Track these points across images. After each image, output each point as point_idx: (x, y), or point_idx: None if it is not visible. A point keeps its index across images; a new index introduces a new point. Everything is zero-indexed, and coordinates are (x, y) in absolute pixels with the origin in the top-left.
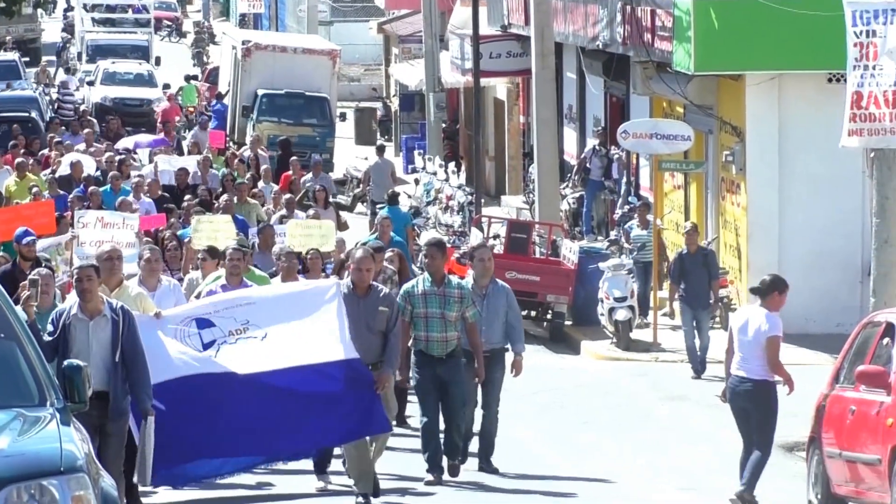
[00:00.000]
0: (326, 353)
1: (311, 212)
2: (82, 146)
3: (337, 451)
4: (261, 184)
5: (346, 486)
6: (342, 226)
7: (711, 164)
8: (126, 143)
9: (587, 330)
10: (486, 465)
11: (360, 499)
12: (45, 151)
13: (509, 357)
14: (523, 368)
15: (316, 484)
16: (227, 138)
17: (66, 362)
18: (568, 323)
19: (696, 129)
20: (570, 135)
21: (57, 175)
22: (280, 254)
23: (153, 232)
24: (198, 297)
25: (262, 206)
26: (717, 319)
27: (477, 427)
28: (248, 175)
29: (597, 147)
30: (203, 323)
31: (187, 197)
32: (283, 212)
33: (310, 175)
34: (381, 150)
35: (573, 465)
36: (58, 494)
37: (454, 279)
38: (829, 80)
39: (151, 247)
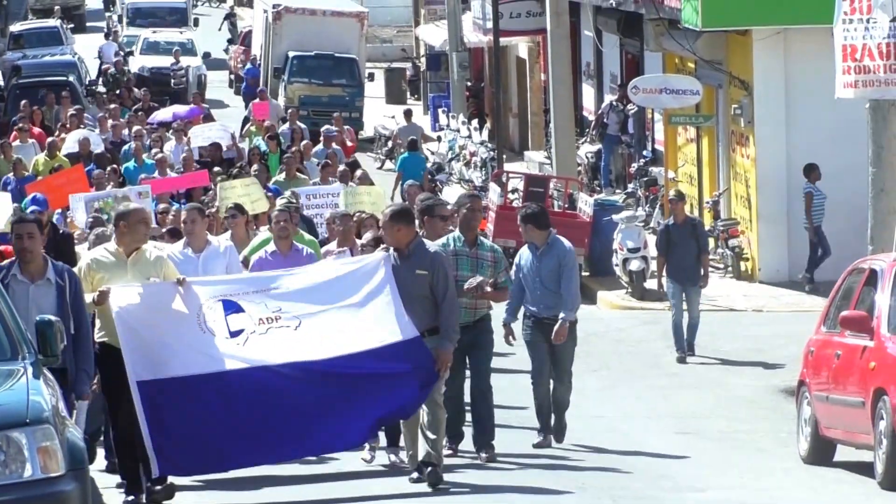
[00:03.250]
0: (372, 337)
1: (359, 172)
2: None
3: None
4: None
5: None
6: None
7: (721, 117)
8: (163, 114)
9: (604, 280)
10: (557, 436)
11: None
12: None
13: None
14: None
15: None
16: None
17: (38, 317)
18: (585, 274)
19: (707, 84)
20: (588, 91)
21: (64, 153)
22: (334, 216)
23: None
24: (244, 262)
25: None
26: (728, 268)
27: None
28: (293, 149)
29: (614, 102)
30: (231, 306)
31: (217, 169)
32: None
33: (320, 146)
34: (408, 115)
35: (577, 410)
36: (24, 445)
37: (486, 241)
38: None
39: (193, 204)
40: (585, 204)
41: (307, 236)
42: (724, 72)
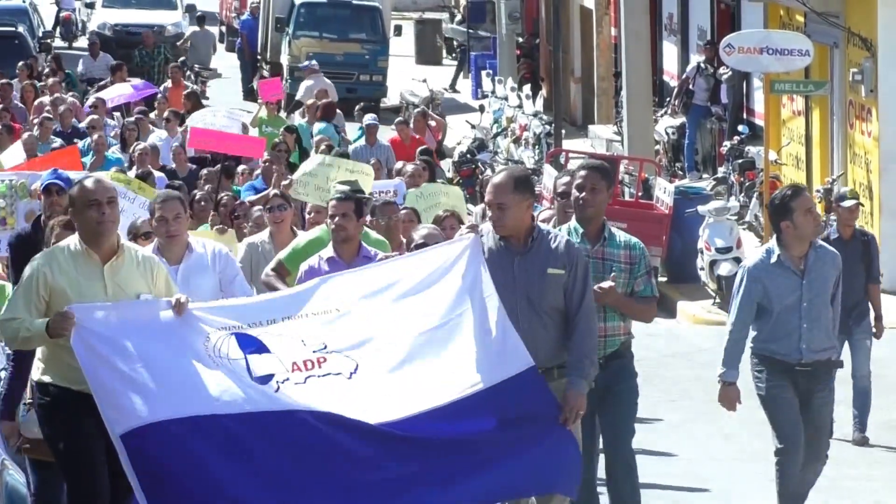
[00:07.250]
0: (469, 375)
1: (407, 168)
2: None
3: None
4: None
5: None
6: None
7: (837, 84)
8: (109, 94)
9: (684, 288)
10: None
11: None
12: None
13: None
14: None
15: None
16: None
17: None
18: (662, 279)
19: (819, 43)
20: (670, 50)
21: None
22: (372, 206)
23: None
24: (278, 271)
25: None
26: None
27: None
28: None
29: (702, 65)
30: (249, 343)
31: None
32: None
33: (361, 142)
34: (201, 21)
35: (649, 452)
36: None
37: (620, 233)
38: None
39: (168, 192)
40: (664, 192)
41: (374, 234)
42: (841, 27)
